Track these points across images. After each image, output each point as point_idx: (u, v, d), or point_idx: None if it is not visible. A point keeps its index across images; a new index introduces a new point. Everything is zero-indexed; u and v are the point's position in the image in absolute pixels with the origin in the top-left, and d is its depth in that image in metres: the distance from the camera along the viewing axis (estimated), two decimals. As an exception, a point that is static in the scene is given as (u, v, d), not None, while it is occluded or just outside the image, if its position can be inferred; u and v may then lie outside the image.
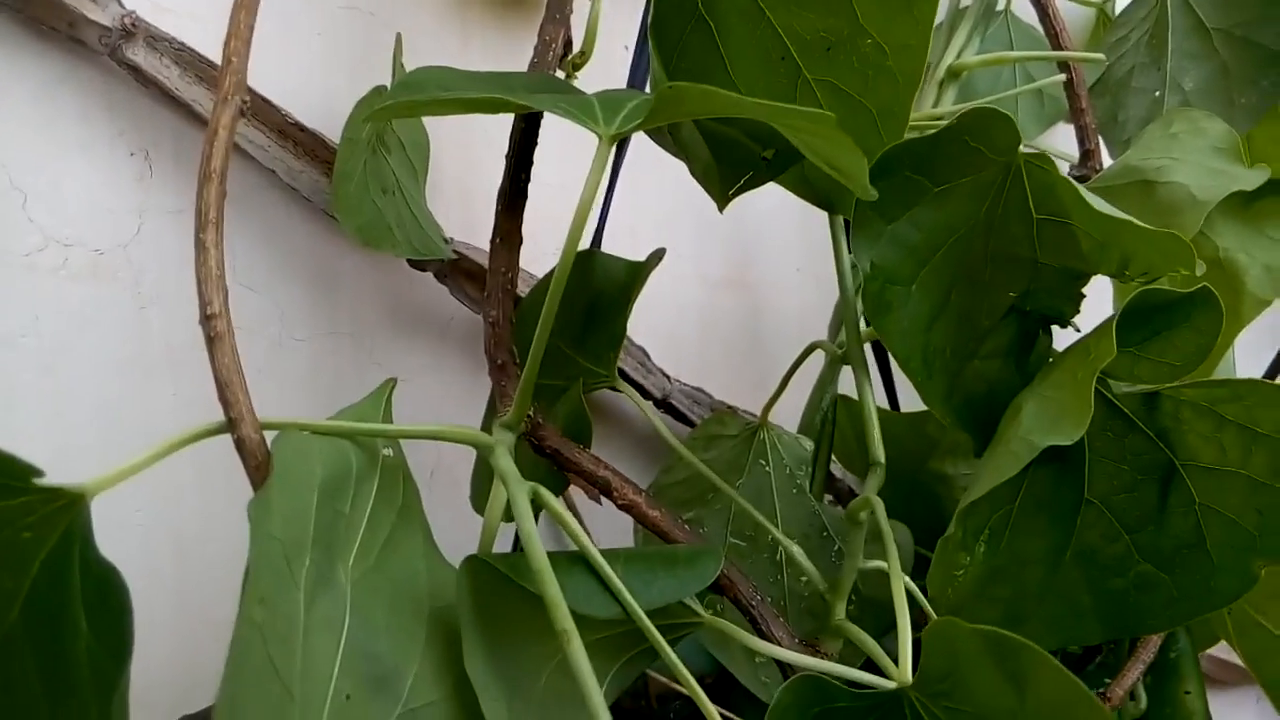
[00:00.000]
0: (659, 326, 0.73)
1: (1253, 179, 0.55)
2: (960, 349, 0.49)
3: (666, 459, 0.63)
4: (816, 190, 0.51)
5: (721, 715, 0.39)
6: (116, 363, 0.54)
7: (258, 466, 0.35)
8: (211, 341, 0.35)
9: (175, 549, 0.56)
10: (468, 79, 0.42)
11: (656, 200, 0.74)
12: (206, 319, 0.35)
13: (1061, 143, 0.80)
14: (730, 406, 0.71)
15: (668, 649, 0.38)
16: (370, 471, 0.39)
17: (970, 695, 0.34)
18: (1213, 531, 0.47)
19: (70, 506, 0.32)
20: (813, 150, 0.40)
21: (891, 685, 0.36)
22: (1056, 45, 0.70)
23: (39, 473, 0.30)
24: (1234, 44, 0.71)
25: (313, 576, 0.34)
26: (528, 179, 0.48)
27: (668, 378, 0.69)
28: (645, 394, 0.68)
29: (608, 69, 0.68)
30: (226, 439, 0.36)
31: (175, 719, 0.53)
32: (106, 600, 0.33)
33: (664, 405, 0.70)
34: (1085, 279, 0.50)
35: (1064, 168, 0.71)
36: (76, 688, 0.33)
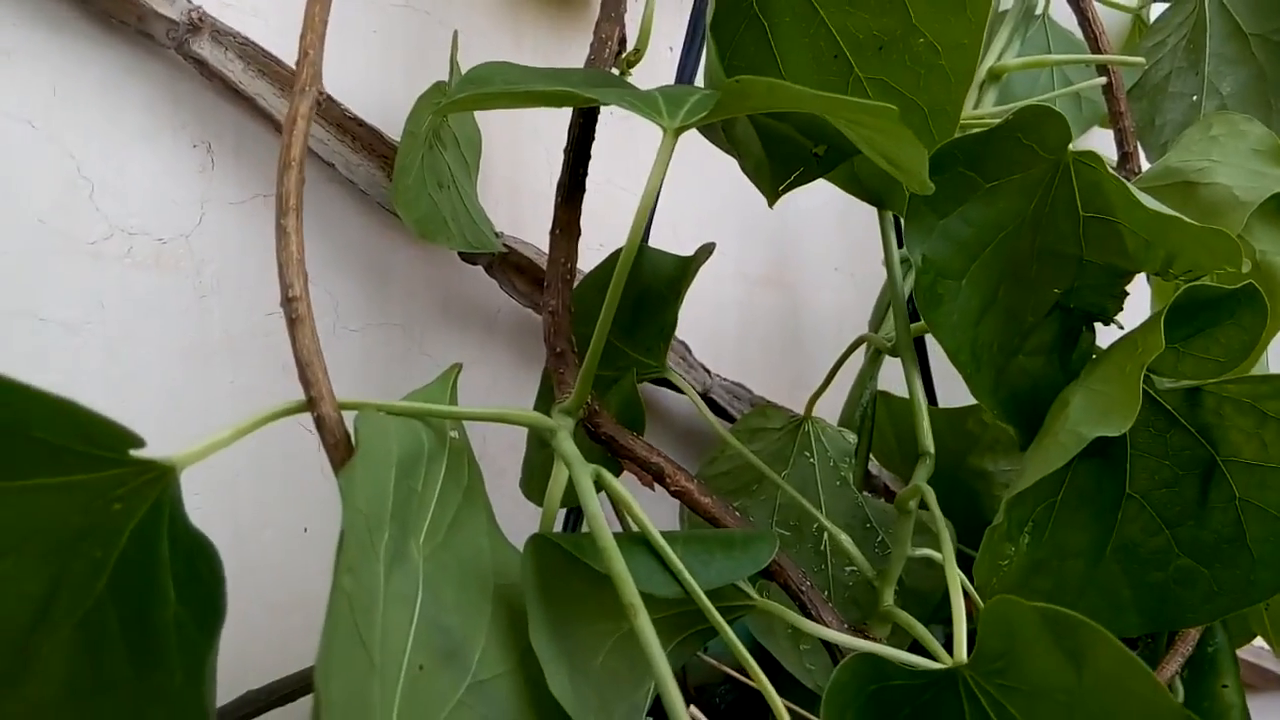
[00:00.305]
0: (700, 322, 0.74)
1: (1294, 181, 0.56)
2: (1006, 344, 0.50)
3: (706, 453, 0.64)
4: (866, 187, 0.52)
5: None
6: (178, 350, 0.55)
7: (335, 445, 0.36)
8: (293, 323, 0.36)
9: (233, 534, 0.58)
10: (533, 74, 0.43)
11: (698, 199, 0.75)
12: (288, 301, 0.36)
13: (1097, 146, 0.81)
14: (769, 402, 0.72)
15: (726, 627, 0.39)
16: (440, 451, 0.40)
17: (1025, 673, 0.34)
18: (1253, 526, 0.48)
19: (160, 479, 0.33)
20: (871, 145, 0.41)
21: (948, 663, 0.37)
22: (1095, 49, 0.71)
23: (140, 442, 0.31)
24: (1271, 49, 0.72)
25: (390, 551, 0.35)
26: (586, 172, 0.49)
27: (708, 372, 0.71)
28: (686, 388, 0.69)
29: (654, 69, 0.70)
30: (285, 426, 0.37)
31: (232, 698, 0.54)
32: (196, 570, 0.34)
33: (705, 399, 0.71)
34: (1129, 277, 0.51)
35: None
36: (164, 657, 0.34)
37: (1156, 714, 0.31)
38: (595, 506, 0.39)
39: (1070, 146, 0.46)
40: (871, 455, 0.67)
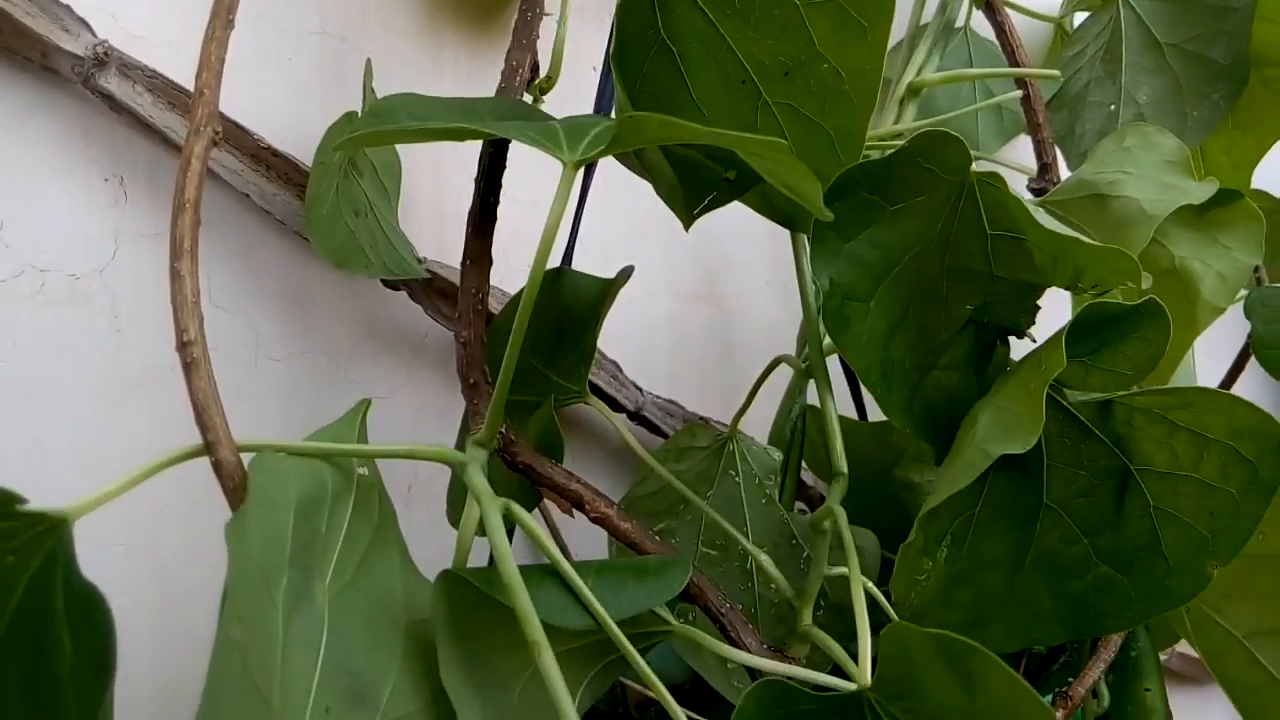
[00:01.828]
0: (631, 340, 0.74)
1: (1201, 193, 0.57)
2: (919, 361, 0.51)
3: (641, 471, 0.64)
4: (777, 209, 0.52)
5: (691, 717, 0.41)
6: (94, 387, 0.55)
7: (235, 489, 0.36)
8: (188, 367, 0.36)
9: (156, 571, 0.57)
10: (436, 107, 0.43)
11: (627, 215, 0.75)
12: (183, 345, 0.36)
13: (1022, 156, 0.82)
14: (703, 418, 0.73)
15: (637, 657, 0.39)
16: (346, 490, 0.40)
17: (925, 696, 0.35)
18: (1167, 534, 0.49)
19: (53, 530, 0.33)
20: (771, 174, 0.42)
21: (852, 687, 0.37)
22: (1013, 62, 0.71)
23: (21, 499, 0.31)
24: (1185, 59, 0.73)
25: (290, 595, 0.35)
26: (496, 202, 0.49)
27: (640, 390, 0.71)
28: (618, 407, 0.69)
29: (577, 90, 0.70)
30: (205, 462, 0.37)
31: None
32: (90, 621, 0.33)
33: (637, 418, 0.71)
34: (1039, 291, 0.52)
35: (1023, 180, 0.74)
36: (61, 706, 0.34)
37: (1044, 737, 0.32)
38: (503, 541, 0.39)
39: (974, 165, 0.47)
40: (806, 466, 0.68)
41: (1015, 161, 0.77)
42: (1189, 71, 0.73)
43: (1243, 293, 0.81)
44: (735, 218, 0.79)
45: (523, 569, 0.39)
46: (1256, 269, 0.86)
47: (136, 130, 0.55)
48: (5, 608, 0.33)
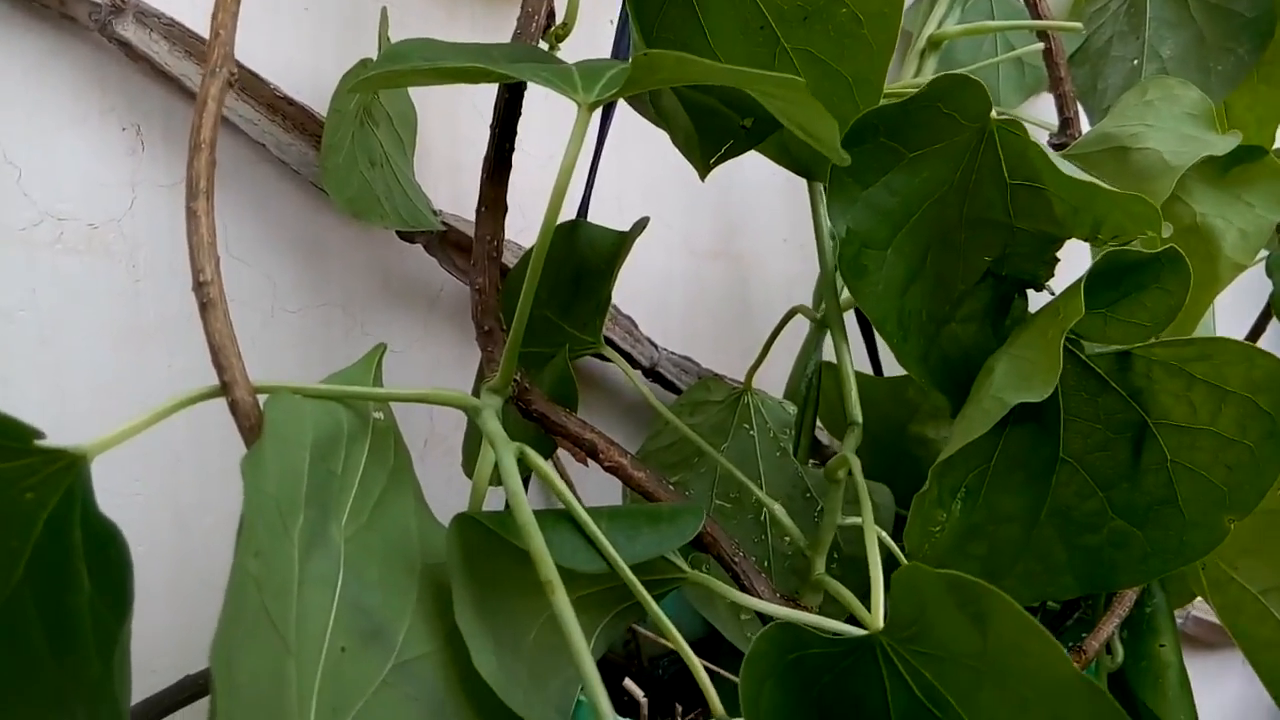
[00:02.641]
0: (647, 296, 0.74)
1: (1223, 145, 0.56)
2: (936, 312, 0.51)
3: (655, 425, 0.64)
4: (795, 158, 0.52)
5: (705, 667, 0.41)
6: (112, 335, 0.55)
7: (251, 428, 0.36)
8: (204, 308, 0.36)
9: (173, 518, 0.58)
10: (450, 50, 0.43)
11: (643, 171, 0.75)
12: (199, 285, 0.36)
13: (1044, 111, 0.81)
14: (717, 374, 0.72)
15: (651, 601, 0.39)
16: (361, 434, 0.40)
17: (937, 638, 0.35)
18: (1184, 487, 0.49)
19: (71, 467, 0.33)
20: (787, 116, 0.41)
21: (863, 632, 0.37)
22: (1035, 14, 0.70)
23: (40, 434, 0.31)
24: (1210, 12, 0.72)
25: (306, 533, 0.35)
26: (512, 148, 0.49)
27: (655, 346, 0.71)
28: (634, 362, 0.69)
29: (593, 43, 0.69)
30: (223, 409, 0.37)
31: (173, 681, 0.54)
32: (107, 557, 0.34)
33: (652, 374, 0.71)
34: (1059, 243, 0.51)
35: (1044, 136, 0.73)
36: (80, 642, 0.34)
37: (1055, 675, 0.32)
38: (517, 483, 0.39)
39: (995, 113, 0.46)
40: (821, 423, 0.68)
41: (1037, 117, 0.76)
42: (1213, 25, 0.72)
43: (1264, 252, 0.80)
44: (753, 174, 0.79)
45: (537, 513, 0.39)
46: (1279, 226, 0.85)
47: (153, 79, 0.55)
48: (25, 544, 0.34)
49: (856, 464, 0.47)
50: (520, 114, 0.49)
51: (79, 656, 0.34)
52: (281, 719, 0.32)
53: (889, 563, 0.46)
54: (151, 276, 0.56)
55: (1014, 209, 0.49)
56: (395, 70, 0.39)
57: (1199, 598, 0.65)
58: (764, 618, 0.49)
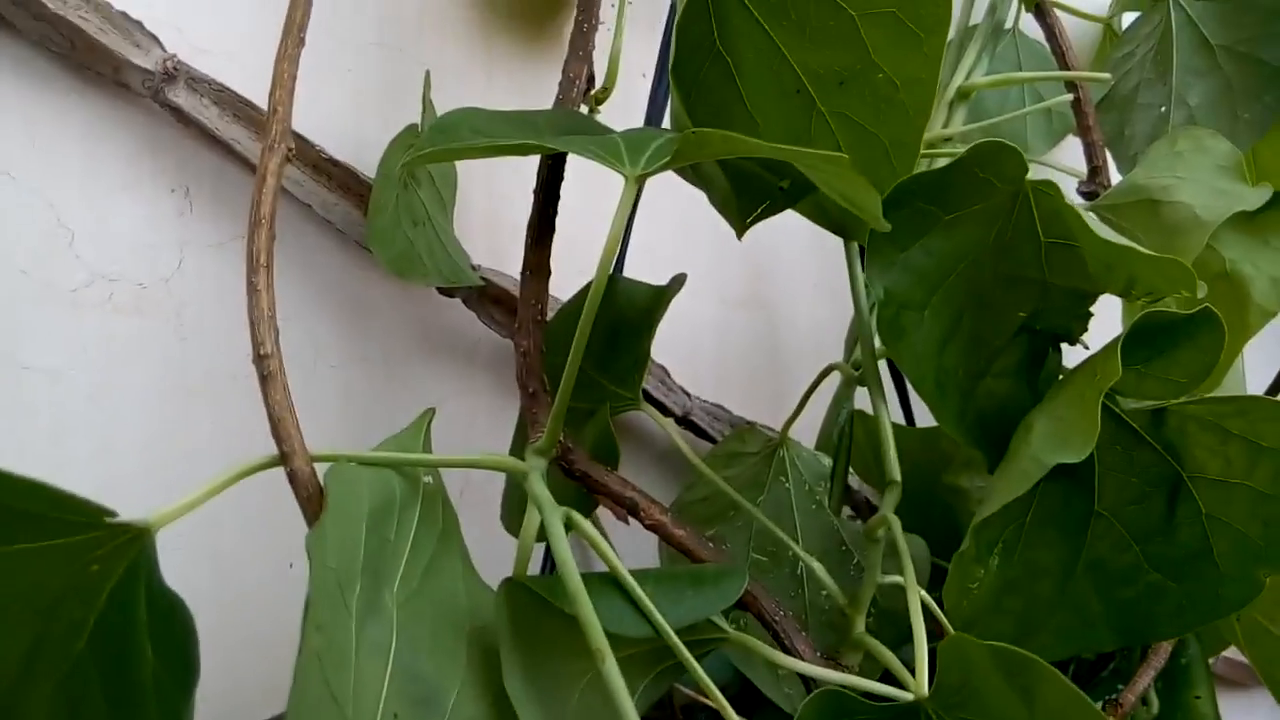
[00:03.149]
0: (678, 345, 0.74)
1: (1255, 198, 0.57)
2: (972, 368, 0.51)
3: (689, 475, 0.65)
4: (831, 218, 0.53)
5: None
6: (159, 393, 0.56)
7: (309, 498, 0.37)
8: (265, 380, 0.37)
9: (214, 573, 0.58)
10: (499, 122, 0.44)
11: (673, 221, 0.76)
12: (260, 358, 0.37)
13: (1071, 158, 0.82)
14: (749, 422, 0.73)
15: (696, 666, 0.40)
16: (413, 499, 0.41)
17: (983, 707, 0.35)
18: (1219, 541, 0.49)
19: (137, 540, 0.34)
20: (829, 186, 0.42)
21: (909, 697, 0.38)
22: (1063, 64, 0.71)
23: (111, 513, 0.32)
24: (1237, 60, 0.72)
25: (362, 603, 0.36)
26: (555, 213, 0.50)
27: (688, 395, 0.71)
28: (666, 411, 0.70)
29: (627, 97, 0.70)
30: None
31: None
32: (171, 628, 0.35)
33: (685, 422, 0.71)
34: (1093, 299, 0.52)
35: (1073, 183, 0.73)
36: (143, 713, 0.35)
37: (1105, 750, 0.32)
38: (566, 551, 0.40)
39: (1029, 174, 0.47)
40: (852, 470, 0.68)
41: (1064, 164, 0.76)
42: (1241, 73, 0.72)
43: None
44: (780, 223, 0.80)
45: (583, 577, 0.40)
46: (1308, 272, 0.85)
47: (202, 142, 0.57)
48: (89, 616, 0.34)
49: (897, 524, 0.48)
50: (563, 178, 0.50)
51: (143, 725, 0.35)
52: (340, 787, 0.33)
53: (925, 618, 0.47)
54: (198, 335, 0.57)
55: (1049, 266, 0.50)
56: (448, 147, 0.41)
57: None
58: (804, 677, 0.49)
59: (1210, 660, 1.06)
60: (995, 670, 0.34)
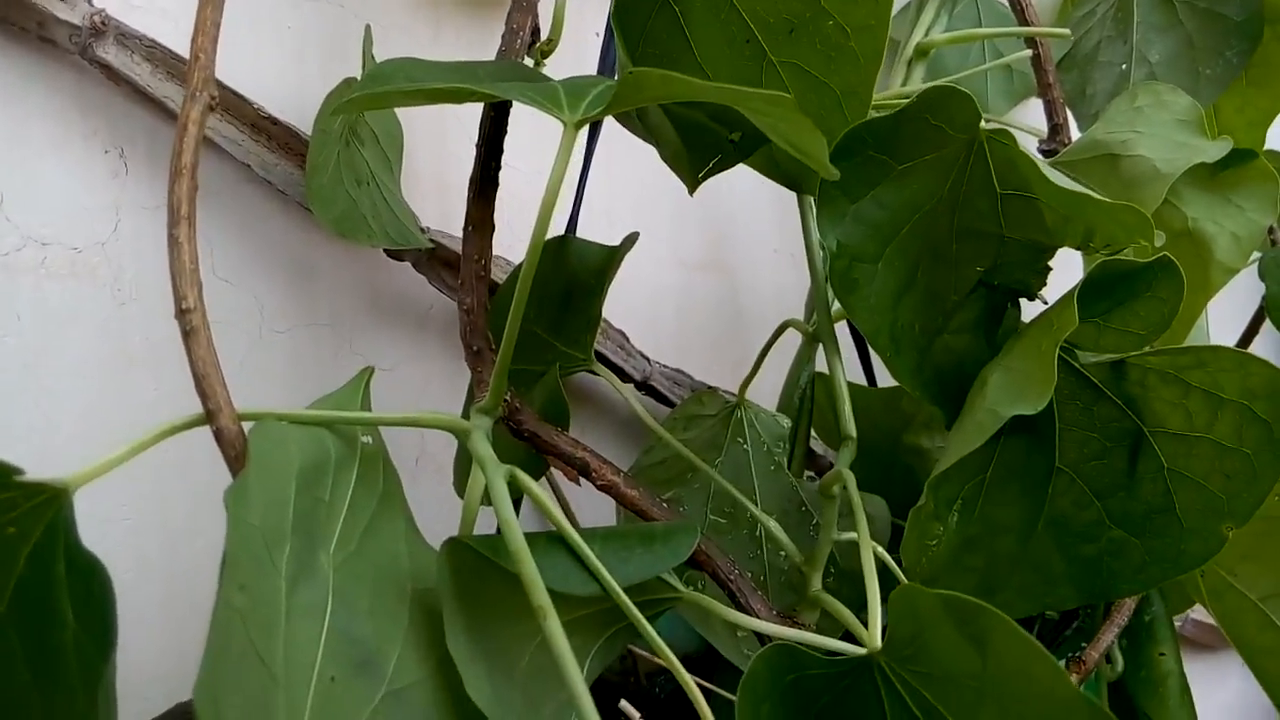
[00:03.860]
0: (638, 310, 0.73)
1: (1214, 151, 0.56)
2: (929, 324, 0.50)
3: (648, 441, 0.64)
4: (784, 171, 0.51)
5: (701, 686, 0.40)
6: (98, 359, 0.55)
7: (237, 457, 0.36)
8: (188, 335, 0.36)
9: (163, 544, 0.57)
10: (434, 69, 0.42)
11: (633, 186, 0.74)
12: (182, 313, 0.36)
13: (1033, 117, 0.81)
14: (711, 387, 0.72)
15: (645, 623, 0.39)
16: (349, 459, 0.39)
17: (935, 659, 0.35)
18: (1181, 496, 0.48)
19: (54, 500, 0.33)
20: (775, 132, 0.41)
21: (862, 651, 0.37)
22: (1023, 21, 0.70)
23: (19, 471, 0.31)
24: (1198, 16, 0.72)
25: (293, 563, 0.35)
26: (498, 166, 0.49)
27: (648, 360, 0.70)
28: (625, 377, 0.69)
29: (579, 56, 0.69)
30: (209, 433, 0.37)
31: (167, 707, 0.54)
32: (91, 591, 0.33)
33: (645, 387, 0.70)
34: (1050, 252, 0.51)
35: (1034, 142, 0.73)
36: (64, 676, 0.34)
37: (1055, 695, 0.31)
38: (507, 508, 0.39)
39: (984, 123, 0.46)
40: (815, 434, 0.68)
41: (1026, 124, 0.75)
42: (1202, 28, 0.72)
43: (1257, 255, 0.80)
44: (741, 187, 0.79)
45: (528, 536, 0.39)
46: (1272, 231, 0.85)
47: (135, 101, 0.55)
48: (8, 579, 0.33)
49: (851, 480, 0.47)
50: (506, 132, 0.49)
51: (64, 691, 0.34)
52: (271, 753, 0.32)
53: (885, 577, 0.46)
54: (137, 300, 0.55)
55: (1005, 219, 0.49)
56: (379, 92, 0.39)
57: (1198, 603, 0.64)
58: (762, 636, 0.48)
59: (1179, 622, 1.06)
60: (946, 619, 0.33)
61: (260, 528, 0.33)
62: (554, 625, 0.35)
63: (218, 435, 0.36)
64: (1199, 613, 1.07)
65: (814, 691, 0.37)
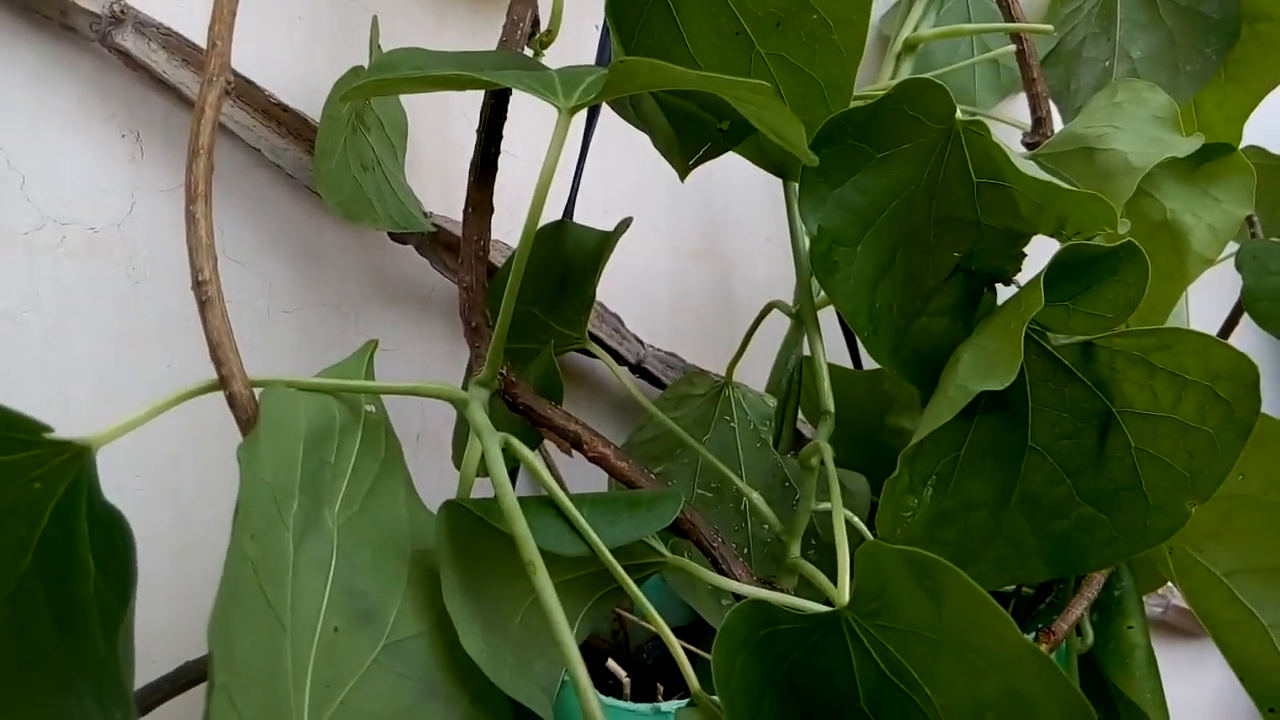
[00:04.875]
0: (633, 295, 0.76)
1: (1186, 146, 0.58)
2: (907, 307, 0.53)
3: (640, 419, 0.66)
4: (770, 159, 0.54)
5: (689, 652, 0.43)
6: (113, 336, 0.57)
7: (248, 421, 0.38)
8: (203, 306, 0.38)
9: (174, 512, 0.59)
10: (437, 58, 0.45)
11: (628, 173, 0.77)
12: (198, 284, 0.38)
13: (1021, 112, 0.83)
14: (702, 370, 0.74)
15: (631, 584, 0.41)
16: (354, 426, 0.42)
17: (897, 612, 0.37)
18: (1148, 473, 0.50)
19: (77, 458, 0.35)
20: (759, 119, 0.43)
21: (829, 608, 0.39)
22: (1009, 17, 0.72)
23: (48, 428, 0.33)
24: (1179, 14, 0.74)
25: (300, 519, 0.37)
26: (498, 151, 0.51)
27: (642, 343, 0.73)
28: (620, 359, 0.71)
29: (579, 48, 0.71)
30: (221, 407, 0.39)
31: (173, 667, 0.56)
32: (112, 543, 0.36)
33: (639, 370, 0.73)
34: (1026, 239, 0.53)
35: (1018, 135, 0.75)
36: (85, 624, 0.36)
37: (1005, 645, 0.34)
38: (501, 471, 0.41)
39: (960, 114, 0.48)
40: (804, 417, 0.70)
41: (1012, 118, 0.78)
42: (1182, 26, 0.74)
43: (1234, 246, 0.82)
44: (735, 176, 0.81)
45: (521, 499, 0.41)
46: (1251, 223, 0.87)
47: (151, 87, 0.57)
48: (33, 531, 0.35)
49: (828, 451, 0.49)
50: (505, 119, 0.51)
51: (85, 638, 0.36)
52: (277, 694, 0.34)
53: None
54: (151, 279, 0.58)
55: (981, 207, 0.51)
56: (384, 79, 0.41)
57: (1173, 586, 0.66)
58: (741, 599, 0.51)
59: (1160, 609, 1.08)
60: (907, 574, 0.35)
61: (270, 483, 0.35)
62: (544, 580, 0.38)
63: (231, 400, 0.38)
64: (1180, 599, 1.09)
65: (786, 646, 0.40)
